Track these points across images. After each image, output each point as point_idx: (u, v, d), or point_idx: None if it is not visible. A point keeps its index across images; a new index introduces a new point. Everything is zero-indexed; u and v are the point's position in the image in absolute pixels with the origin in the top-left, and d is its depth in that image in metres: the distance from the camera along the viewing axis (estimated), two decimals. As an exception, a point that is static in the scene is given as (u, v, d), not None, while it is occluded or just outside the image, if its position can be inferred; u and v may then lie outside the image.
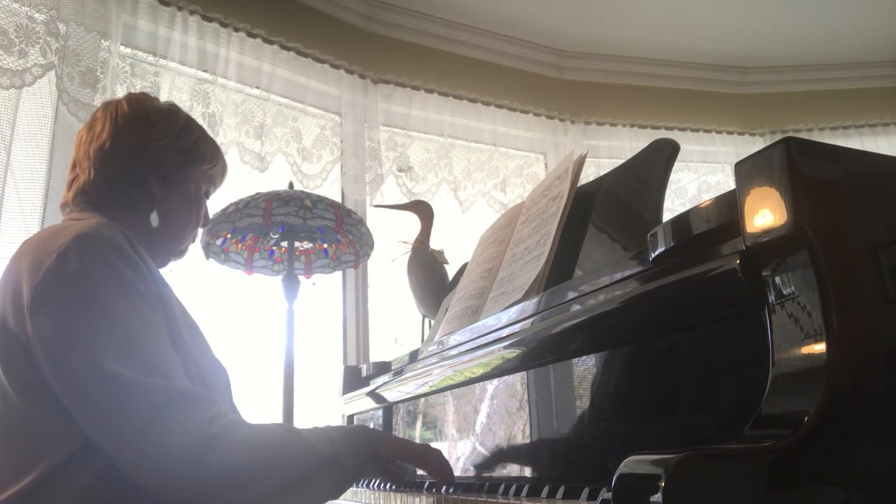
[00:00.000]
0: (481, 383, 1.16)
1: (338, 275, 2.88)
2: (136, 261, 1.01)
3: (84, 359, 0.91)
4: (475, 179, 3.34)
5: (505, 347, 1.07)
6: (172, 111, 1.24)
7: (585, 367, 0.92)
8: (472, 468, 1.17)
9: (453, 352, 1.26)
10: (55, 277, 0.95)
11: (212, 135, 1.42)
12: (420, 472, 1.26)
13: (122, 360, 0.91)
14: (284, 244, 2.14)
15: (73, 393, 0.93)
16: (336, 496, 1.06)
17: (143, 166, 1.17)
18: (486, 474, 1.12)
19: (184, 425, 0.91)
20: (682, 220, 0.76)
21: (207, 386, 1.07)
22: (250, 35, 2.76)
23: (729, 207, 0.71)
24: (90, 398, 0.91)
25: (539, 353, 1.01)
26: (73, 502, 0.93)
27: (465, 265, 1.70)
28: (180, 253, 1.27)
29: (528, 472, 1.02)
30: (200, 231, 1.35)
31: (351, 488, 1.37)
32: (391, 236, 2.51)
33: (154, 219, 1.18)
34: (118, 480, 0.93)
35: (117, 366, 0.91)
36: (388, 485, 1.29)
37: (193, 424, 0.91)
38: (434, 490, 1.12)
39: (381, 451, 1.09)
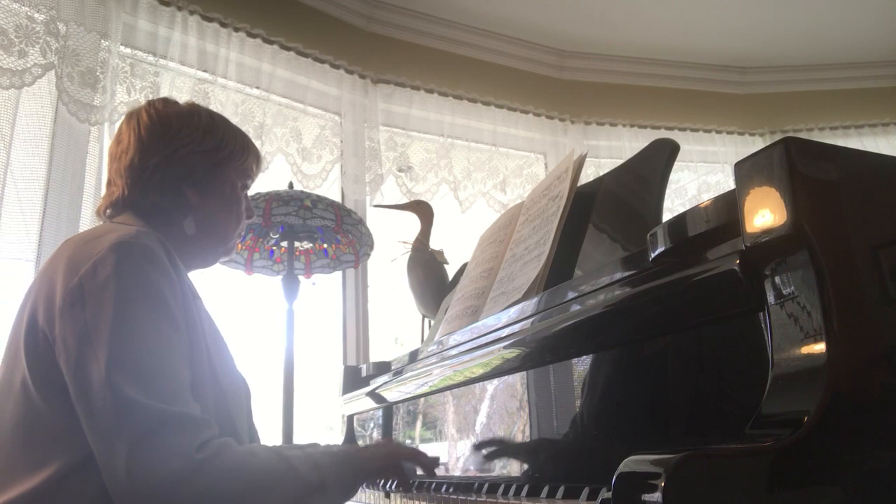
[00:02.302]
0: (481, 383, 1.16)
1: (338, 275, 2.88)
2: (169, 273, 1.02)
3: (98, 369, 0.92)
4: (475, 179, 3.34)
5: (505, 347, 1.07)
6: (193, 113, 1.23)
7: (585, 367, 0.92)
8: (472, 468, 1.17)
9: (453, 352, 1.26)
10: (88, 283, 0.96)
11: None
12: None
13: (129, 378, 0.92)
14: (284, 244, 2.14)
15: (81, 400, 0.93)
16: None
17: (175, 177, 1.17)
18: (486, 474, 1.12)
19: (170, 450, 0.91)
20: (681, 221, 0.76)
21: (226, 400, 1.08)
22: (250, 35, 2.76)
23: (729, 207, 0.71)
24: (93, 408, 0.92)
25: (539, 353, 1.00)
26: (89, 502, 0.94)
27: (465, 265, 1.70)
28: (228, 251, 1.27)
29: (528, 472, 1.02)
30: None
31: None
32: (391, 236, 2.51)
33: (189, 225, 1.18)
34: None
35: (123, 382, 0.91)
36: (390, 485, 1.29)
37: (180, 450, 0.91)
38: (434, 490, 1.12)
39: (370, 468, 1.11)
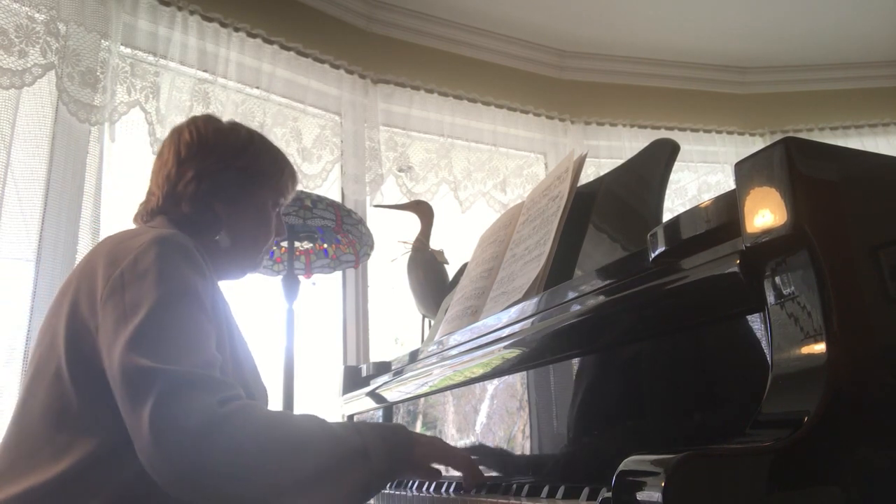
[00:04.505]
0: (481, 383, 1.16)
1: (338, 275, 2.88)
2: (204, 272, 1.05)
3: (121, 349, 0.93)
4: (475, 179, 3.34)
5: (505, 347, 1.06)
6: (231, 131, 1.27)
7: (585, 367, 0.92)
8: (472, 468, 1.17)
9: (453, 352, 1.26)
10: (129, 273, 0.99)
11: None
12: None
13: (146, 349, 0.92)
14: (284, 244, 2.14)
15: (112, 380, 0.94)
16: (365, 498, 0.99)
17: (206, 191, 1.20)
18: (486, 474, 1.12)
19: (189, 407, 0.89)
20: (681, 220, 0.76)
21: (253, 398, 1.08)
22: (250, 35, 2.76)
23: (729, 207, 0.70)
24: (118, 385, 0.92)
25: (539, 353, 1.00)
26: (111, 494, 0.94)
27: (465, 265, 1.70)
28: (254, 266, 1.31)
29: (528, 472, 1.02)
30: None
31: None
32: (391, 236, 2.51)
33: (224, 239, 1.22)
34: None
35: (139, 353, 0.92)
36: (390, 484, 1.28)
37: (200, 406, 0.89)
38: (434, 490, 1.12)
39: (414, 451, 1.04)
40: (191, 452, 0.87)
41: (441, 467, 1.10)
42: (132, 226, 1.23)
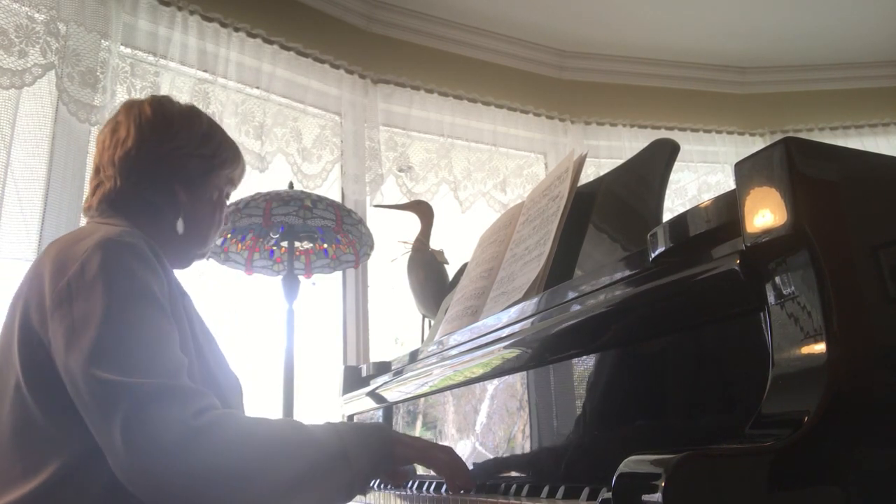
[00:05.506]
0: (481, 383, 1.16)
1: (338, 275, 2.88)
2: (156, 269, 1.02)
3: (79, 361, 0.91)
4: (475, 179, 3.34)
5: (505, 347, 1.07)
6: (194, 116, 1.24)
7: (585, 367, 0.92)
8: (471, 468, 1.17)
9: (453, 352, 1.26)
10: (76, 283, 0.96)
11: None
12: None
13: (108, 363, 0.90)
14: (284, 244, 2.15)
15: (74, 395, 0.93)
16: (346, 499, 0.99)
17: (169, 173, 1.18)
18: (486, 474, 1.12)
19: (163, 421, 0.87)
20: (682, 220, 0.76)
21: (223, 396, 1.06)
22: (250, 35, 2.76)
23: (729, 207, 0.71)
24: (84, 401, 0.91)
25: (539, 353, 1.00)
26: None
27: (465, 265, 1.70)
28: (203, 255, 1.29)
29: (528, 472, 1.02)
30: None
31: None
32: (391, 236, 2.51)
33: (180, 225, 1.19)
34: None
35: (101, 368, 0.89)
36: (388, 484, 1.28)
37: (174, 419, 0.88)
38: (434, 490, 1.12)
39: (394, 451, 1.02)
40: (169, 467, 0.87)
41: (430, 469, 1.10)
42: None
